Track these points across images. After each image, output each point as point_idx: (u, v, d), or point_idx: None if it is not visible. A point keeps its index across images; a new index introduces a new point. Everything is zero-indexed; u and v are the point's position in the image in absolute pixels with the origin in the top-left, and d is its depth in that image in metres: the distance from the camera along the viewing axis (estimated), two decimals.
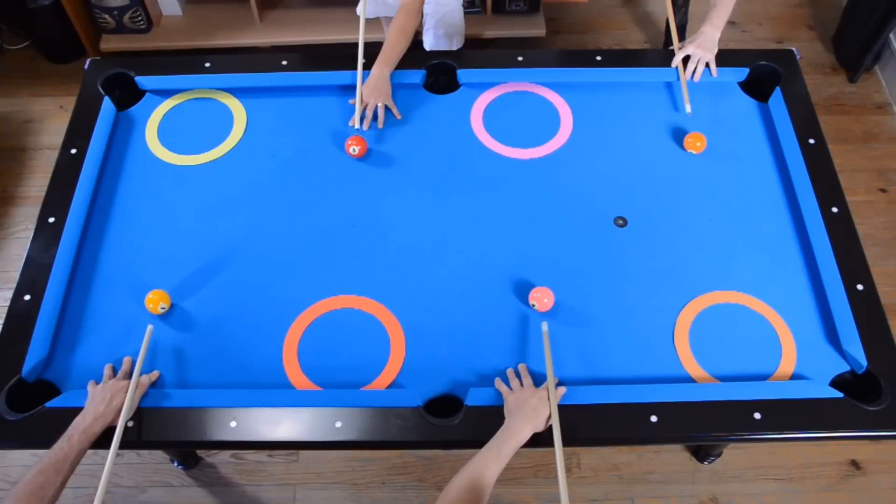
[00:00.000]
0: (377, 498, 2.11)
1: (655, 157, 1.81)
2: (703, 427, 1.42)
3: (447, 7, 2.30)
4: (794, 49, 1.97)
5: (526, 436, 1.35)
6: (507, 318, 1.57)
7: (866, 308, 1.54)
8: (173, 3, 3.01)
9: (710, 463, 2.14)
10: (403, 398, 1.44)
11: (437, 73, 1.93)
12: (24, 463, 2.16)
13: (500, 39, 3.02)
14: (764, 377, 1.49)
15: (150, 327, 1.53)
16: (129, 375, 1.46)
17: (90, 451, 1.37)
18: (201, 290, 1.61)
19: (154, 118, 1.88)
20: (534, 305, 1.56)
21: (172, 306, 1.58)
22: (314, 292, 1.60)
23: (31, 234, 1.66)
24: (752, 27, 3.21)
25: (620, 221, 1.70)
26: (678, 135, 1.83)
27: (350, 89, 1.88)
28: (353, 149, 1.77)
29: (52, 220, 1.67)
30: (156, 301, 1.56)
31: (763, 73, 1.92)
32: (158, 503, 2.12)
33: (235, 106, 1.90)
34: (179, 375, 1.51)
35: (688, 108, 1.84)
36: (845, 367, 1.50)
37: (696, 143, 1.78)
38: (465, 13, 2.41)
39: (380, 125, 1.84)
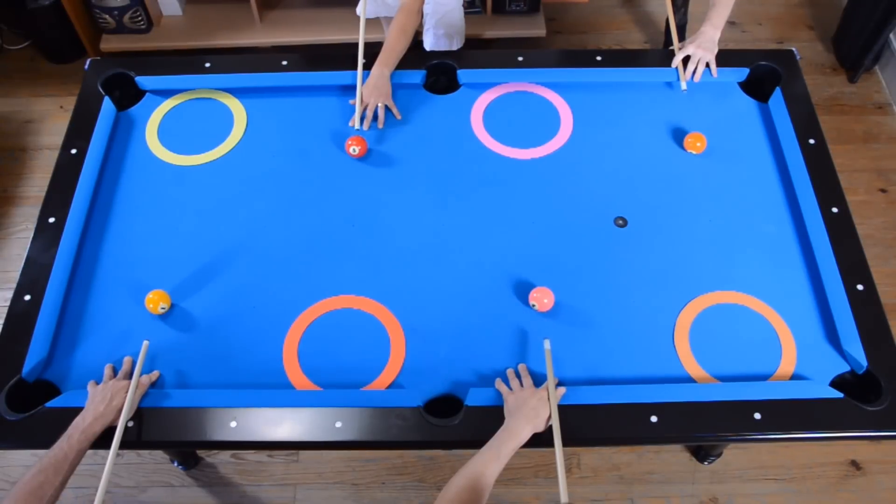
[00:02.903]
0: (377, 498, 2.11)
1: (655, 157, 1.81)
2: (703, 427, 1.42)
3: (447, 7, 2.30)
4: (794, 49, 1.97)
5: (526, 436, 1.35)
6: (507, 318, 1.57)
7: (866, 308, 1.54)
8: (173, 3, 3.01)
9: (710, 463, 2.14)
10: (403, 398, 1.44)
11: (437, 73, 1.93)
12: (24, 463, 2.16)
13: (500, 39, 3.02)
14: (764, 377, 1.49)
15: (145, 343, 1.52)
16: (129, 375, 1.47)
17: (90, 451, 1.37)
18: (201, 291, 1.61)
19: (154, 118, 1.88)
20: (534, 305, 1.56)
21: (172, 306, 1.58)
22: (314, 292, 1.60)
23: (31, 234, 1.66)
24: (752, 27, 3.21)
25: (620, 221, 1.70)
26: (678, 135, 1.83)
27: (350, 89, 1.88)
28: (354, 149, 1.77)
29: (52, 220, 1.67)
30: (156, 301, 1.56)
31: (763, 73, 1.92)
32: (158, 503, 2.12)
33: (235, 106, 1.90)
34: (179, 375, 1.51)
35: (683, 86, 1.84)
36: (845, 368, 1.50)
37: (696, 143, 1.78)
38: (466, 13, 2.41)
39: (380, 125, 1.85)
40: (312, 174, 1.78)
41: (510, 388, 1.43)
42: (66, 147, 1.78)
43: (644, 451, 2.17)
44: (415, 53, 1.94)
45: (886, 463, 2.16)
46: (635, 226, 1.70)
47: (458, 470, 1.28)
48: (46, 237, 1.64)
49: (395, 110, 1.86)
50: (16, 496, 1.23)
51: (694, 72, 1.90)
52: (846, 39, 2.99)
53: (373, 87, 1.84)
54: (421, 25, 2.32)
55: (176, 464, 2.14)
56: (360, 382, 1.49)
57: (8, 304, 1.57)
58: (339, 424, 1.42)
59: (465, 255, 1.65)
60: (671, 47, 1.96)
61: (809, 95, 1.87)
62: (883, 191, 2.70)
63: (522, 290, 1.59)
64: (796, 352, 1.52)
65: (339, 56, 1.96)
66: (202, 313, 1.58)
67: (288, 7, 3.06)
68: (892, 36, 2.86)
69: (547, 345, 1.51)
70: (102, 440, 1.37)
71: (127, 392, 1.41)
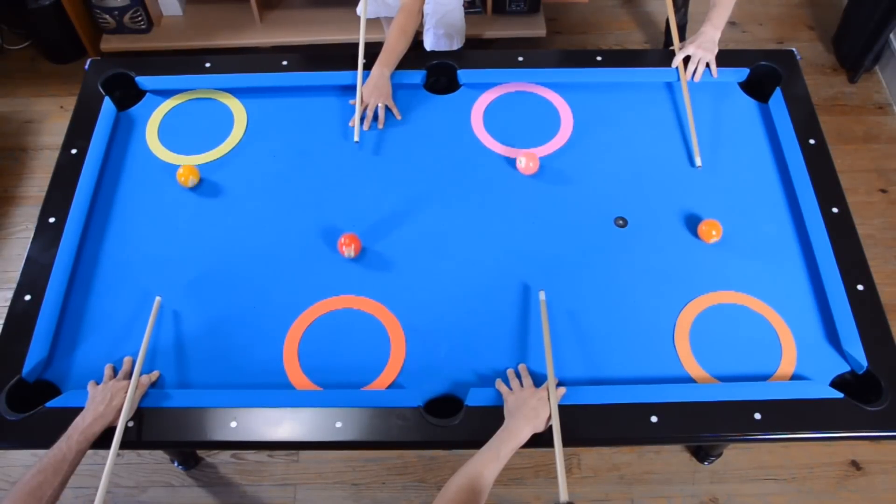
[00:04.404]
0: (377, 498, 2.11)
1: (656, 156, 1.81)
2: (704, 427, 1.42)
3: (447, 7, 2.30)
4: (794, 49, 1.97)
5: (525, 436, 1.35)
6: (508, 319, 1.57)
7: (866, 308, 1.54)
8: (173, 3, 3.01)
9: (710, 463, 2.14)
10: (403, 398, 1.44)
11: (437, 73, 1.93)
12: (24, 463, 2.16)
13: (500, 40, 3.02)
14: (764, 377, 1.49)
15: (157, 299, 1.55)
16: (129, 375, 1.47)
17: (90, 452, 1.37)
18: (201, 291, 1.61)
19: (154, 118, 1.88)
20: (520, 168, 1.71)
21: (175, 301, 1.58)
22: (314, 292, 1.60)
23: (31, 234, 1.66)
24: (752, 27, 3.21)
25: (621, 222, 1.70)
26: (678, 135, 1.83)
27: (350, 89, 1.88)
28: (347, 249, 1.61)
29: (52, 220, 1.67)
30: (186, 175, 1.71)
31: (763, 73, 1.92)
32: (158, 503, 2.12)
33: (235, 106, 1.90)
34: (179, 375, 1.51)
35: (698, 161, 1.77)
36: (845, 368, 1.50)
37: (710, 231, 1.64)
38: (466, 13, 2.41)
39: (380, 125, 1.85)
40: (312, 174, 1.78)
41: (510, 388, 1.43)
42: (66, 147, 1.78)
43: (644, 451, 2.17)
44: (415, 53, 1.94)
45: (886, 463, 2.16)
46: (635, 226, 1.70)
47: (458, 469, 1.28)
48: (46, 237, 1.65)
49: (395, 110, 1.86)
50: (15, 496, 1.23)
51: (694, 72, 1.90)
52: (846, 40, 2.99)
53: (373, 88, 1.84)
54: (421, 25, 2.32)
55: (176, 464, 2.14)
56: (360, 382, 1.49)
57: (8, 304, 1.57)
58: (339, 424, 1.42)
59: (465, 255, 1.65)
60: (671, 47, 1.96)
61: (810, 96, 1.87)
62: (883, 191, 2.70)
63: (523, 291, 1.59)
64: (796, 352, 1.52)
65: (339, 56, 1.96)
66: (202, 313, 1.58)
67: (288, 7, 3.06)
68: (892, 36, 2.86)
69: (542, 296, 1.51)
70: (102, 440, 1.37)
71: (127, 392, 1.41)
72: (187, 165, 1.74)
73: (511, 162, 1.80)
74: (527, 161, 1.73)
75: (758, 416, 1.41)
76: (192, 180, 1.73)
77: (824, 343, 1.54)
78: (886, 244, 2.56)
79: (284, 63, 1.93)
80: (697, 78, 1.90)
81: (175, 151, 1.82)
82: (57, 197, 1.70)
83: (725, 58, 1.93)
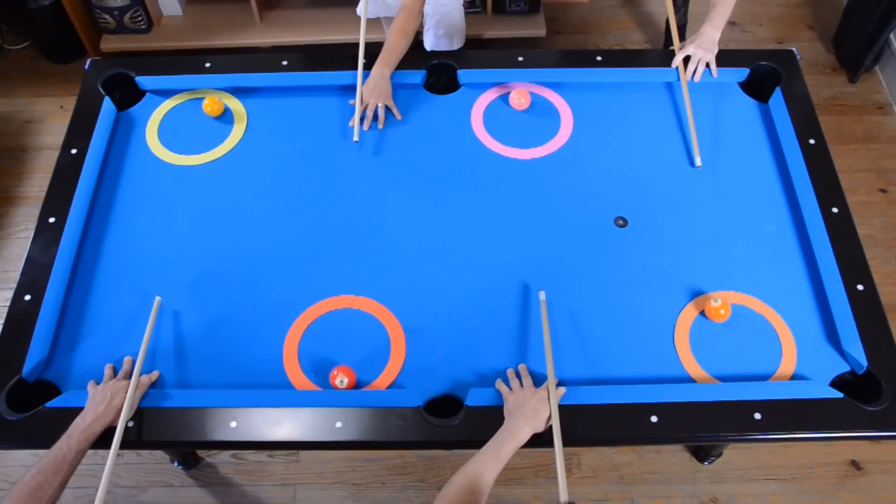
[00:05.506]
0: (377, 498, 2.11)
1: (656, 156, 1.81)
2: (704, 427, 1.42)
3: (447, 7, 2.30)
4: (794, 49, 1.97)
5: (525, 436, 1.35)
6: (508, 318, 1.57)
7: (866, 308, 1.54)
8: (173, 3, 3.01)
9: (710, 463, 2.14)
10: (403, 398, 1.44)
11: (437, 73, 1.93)
12: (24, 463, 2.16)
13: (500, 40, 3.02)
14: (764, 377, 1.49)
15: (157, 299, 1.55)
16: (129, 375, 1.46)
17: (90, 452, 1.37)
18: (201, 290, 1.61)
19: (154, 118, 1.88)
20: (515, 105, 1.81)
21: (173, 304, 1.58)
22: (314, 292, 1.60)
23: (31, 234, 1.66)
24: (752, 27, 3.21)
25: (621, 222, 1.70)
26: (678, 135, 1.83)
27: (350, 89, 1.88)
28: (341, 380, 1.48)
29: (52, 220, 1.67)
30: (211, 105, 1.82)
31: (763, 73, 1.92)
32: (158, 503, 2.12)
33: (235, 106, 1.90)
34: (179, 375, 1.51)
35: (698, 161, 1.77)
36: (845, 368, 1.50)
37: (720, 310, 1.54)
38: (466, 13, 2.41)
39: (380, 125, 1.85)
40: (312, 174, 1.78)
41: (510, 388, 1.43)
42: (66, 147, 1.78)
43: (644, 451, 2.17)
44: (415, 53, 1.94)
45: (886, 463, 2.16)
46: (635, 226, 1.70)
47: (458, 470, 1.28)
48: (46, 237, 1.64)
49: (395, 110, 1.86)
50: (15, 496, 1.23)
51: (694, 72, 1.90)
52: (846, 39, 2.99)
53: (373, 88, 1.84)
54: (421, 25, 2.32)
55: (176, 464, 2.14)
56: (361, 382, 1.49)
57: (8, 304, 1.57)
58: (339, 424, 1.42)
59: (465, 255, 1.65)
60: (671, 47, 1.96)
61: (810, 95, 1.87)
62: (883, 191, 2.70)
63: (523, 291, 1.60)
64: (796, 352, 1.52)
65: (339, 56, 1.96)
66: (202, 313, 1.58)
67: (288, 7, 3.06)
68: (892, 36, 2.86)
69: (542, 296, 1.51)
70: (102, 440, 1.37)
71: (127, 392, 1.41)
72: (212, 97, 1.84)
73: (510, 162, 1.80)
74: (518, 97, 1.84)
75: (758, 416, 1.41)
76: (217, 110, 1.84)
77: (824, 343, 1.54)
78: (886, 244, 2.56)
79: (284, 63, 1.93)
80: (697, 78, 1.90)
81: (175, 151, 1.82)
82: (57, 197, 1.70)
83: (725, 58, 1.93)
